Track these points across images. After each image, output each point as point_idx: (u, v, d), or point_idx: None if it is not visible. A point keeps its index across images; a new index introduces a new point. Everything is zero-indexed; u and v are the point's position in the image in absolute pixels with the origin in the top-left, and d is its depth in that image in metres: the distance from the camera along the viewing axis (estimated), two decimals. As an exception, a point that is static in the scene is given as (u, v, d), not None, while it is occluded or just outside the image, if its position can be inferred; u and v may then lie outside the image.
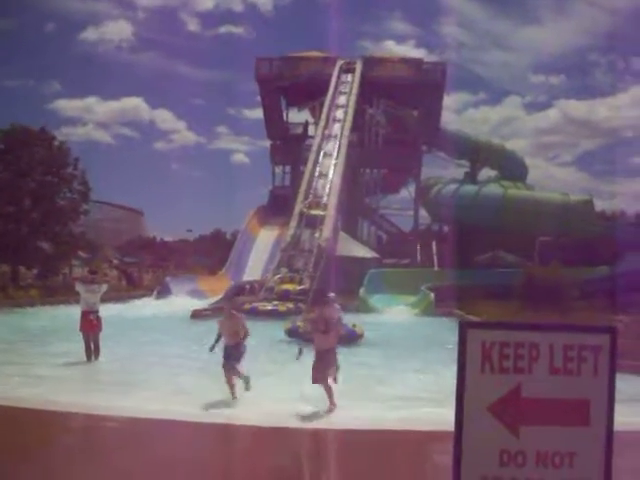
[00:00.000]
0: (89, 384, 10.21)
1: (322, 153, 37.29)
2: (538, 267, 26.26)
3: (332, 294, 14.37)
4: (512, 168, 45.76)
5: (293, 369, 9.45)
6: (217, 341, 8.74)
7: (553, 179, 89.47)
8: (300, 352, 8.43)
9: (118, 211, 71.34)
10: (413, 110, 47.24)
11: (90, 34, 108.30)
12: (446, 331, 14.55)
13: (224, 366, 8.42)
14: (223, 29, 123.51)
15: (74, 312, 12.66)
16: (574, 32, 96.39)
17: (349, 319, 15.25)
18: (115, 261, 45.21)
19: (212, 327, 9.45)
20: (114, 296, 25.18)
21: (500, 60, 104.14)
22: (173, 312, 22.48)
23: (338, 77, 42.70)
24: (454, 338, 2.37)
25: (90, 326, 11.63)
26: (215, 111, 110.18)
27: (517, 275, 24.92)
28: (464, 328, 2.34)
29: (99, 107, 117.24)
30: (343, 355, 9.93)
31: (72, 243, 31.81)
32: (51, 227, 30.44)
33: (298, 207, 32.94)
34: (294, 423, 7.07)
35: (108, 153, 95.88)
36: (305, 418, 7.35)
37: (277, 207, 40.40)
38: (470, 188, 39.92)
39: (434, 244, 39.81)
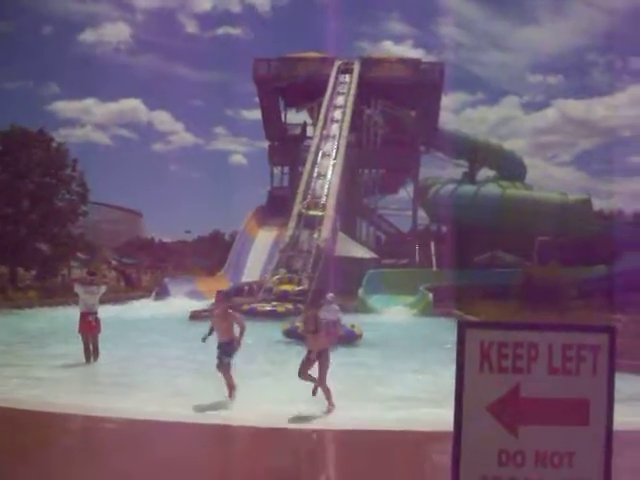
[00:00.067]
0: (88, 386, 10.17)
1: (320, 154, 37.31)
2: (536, 267, 26.29)
3: (331, 295, 14.44)
4: (510, 168, 45.82)
5: (291, 370, 9.43)
6: (210, 334, 8.60)
7: (551, 179, 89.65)
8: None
9: (116, 212, 71.13)
10: (411, 110, 47.24)
11: (88, 36, 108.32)
12: (445, 331, 14.48)
13: (218, 366, 8.36)
14: (221, 30, 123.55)
15: (73, 313, 12.65)
16: (572, 32, 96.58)
17: (348, 319, 15.28)
18: (114, 262, 45.15)
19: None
20: (113, 297, 25.19)
21: (498, 60, 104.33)
22: (172, 313, 22.47)
23: (336, 78, 42.72)
24: (453, 338, 2.37)
25: (89, 327, 11.61)
26: (213, 112, 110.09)
27: (516, 275, 24.97)
28: (463, 328, 2.33)
29: (97, 109, 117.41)
30: (342, 355, 9.95)
31: (71, 244, 31.83)
32: (50, 228, 30.43)
33: (297, 208, 32.95)
34: (292, 424, 7.06)
35: (106, 154, 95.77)
36: (303, 419, 7.34)
37: (275, 208, 40.40)
38: (468, 188, 39.98)
39: (432, 244, 39.84)
